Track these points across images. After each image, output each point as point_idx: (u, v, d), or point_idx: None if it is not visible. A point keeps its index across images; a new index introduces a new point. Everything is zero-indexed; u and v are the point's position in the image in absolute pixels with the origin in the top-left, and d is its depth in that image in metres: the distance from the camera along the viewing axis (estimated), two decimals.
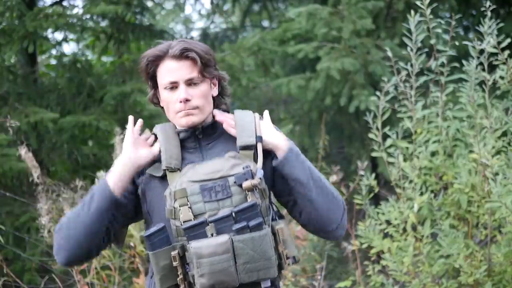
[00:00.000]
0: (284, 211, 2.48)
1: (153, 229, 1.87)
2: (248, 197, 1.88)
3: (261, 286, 1.89)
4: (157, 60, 1.97)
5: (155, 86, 2.02)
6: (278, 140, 1.98)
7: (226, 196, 1.88)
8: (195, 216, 1.86)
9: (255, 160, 1.94)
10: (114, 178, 1.93)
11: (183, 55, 1.95)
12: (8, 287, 4.42)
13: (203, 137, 2.00)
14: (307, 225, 2.04)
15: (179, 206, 1.87)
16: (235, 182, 1.88)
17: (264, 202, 1.92)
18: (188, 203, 1.87)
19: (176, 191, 1.88)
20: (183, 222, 1.86)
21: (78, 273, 3.95)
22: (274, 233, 1.91)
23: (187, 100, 1.94)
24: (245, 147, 1.95)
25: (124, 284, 4.34)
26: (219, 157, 1.94)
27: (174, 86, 1.96)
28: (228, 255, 1.82)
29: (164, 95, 1.98)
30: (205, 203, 1.87)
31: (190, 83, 1.96)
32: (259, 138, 1.96)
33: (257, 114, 2.04)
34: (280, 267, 1.92)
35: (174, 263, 1.86)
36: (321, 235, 2.07)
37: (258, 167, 1.92)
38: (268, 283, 1.90)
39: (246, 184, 1.87)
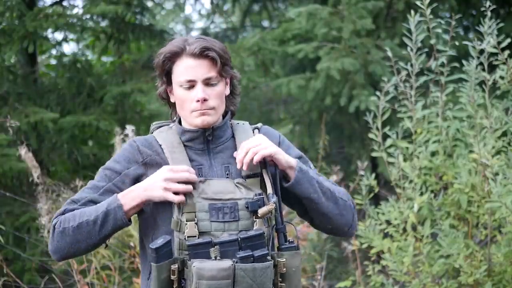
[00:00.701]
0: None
1: (160, 241, 1.84)
2: (255, 224, 1.88)
3: None
4: (175, 56, 1.93)
5: (168, 82, 1.97)
6: (290, 159, 1.95)
7: (233, 219, 1.87)
8: (200, 234, 1.85)
9: (261, 187, 1.93)
10: (131, 206, 1.88)
11: (203, 54, 1.90)
12: (8, 287, 4.42)
13: (212, 139, 1.97)
14: (319, 229, 2.07)
15: (186, 221, 1.85)
16: (247, 207, 1.87)
17: (268, 230, 1.91)
18: (196, 219, 1.86)
19: (184, 204, 1.86)
20: (187, 237, 1.85)
21: (78, 273, 3.95)
22: (274, 265, 1.89)
23: (204, 100, 1.91)
24: (251, 176, 1.94)
25: (124, 284, 4.34)
26: (230, 180, 1.92)
27: (191, 84, 1.92)
28: (228, 281, 1.80)
29: (180, 93, 1.93)
30: (211, 222, 1.86)
31: (207, 82, 1.92)
32: (263, 165, 1.95)
33: (256, 131, 2.02)
34: None
35: (172, 277, 1.84)
36: (334, 235, 2.10)
37: (270, 192, 1.91)
38: None
39: (262, 210, 1.86)
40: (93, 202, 1.93)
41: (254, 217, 1.88)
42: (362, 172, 4.23)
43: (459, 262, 3.36)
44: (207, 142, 1.96)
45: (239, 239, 1.84)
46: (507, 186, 3.19)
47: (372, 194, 3.86)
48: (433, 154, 3.68)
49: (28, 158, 4.27)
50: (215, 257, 1.82)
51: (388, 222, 3.74)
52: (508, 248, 3.32)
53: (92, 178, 2.02)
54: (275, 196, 1.91)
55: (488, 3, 3.45)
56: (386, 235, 3.78)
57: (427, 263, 3.49)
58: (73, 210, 1.92)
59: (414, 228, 3.60)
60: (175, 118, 2.03)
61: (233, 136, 2.00)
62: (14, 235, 5.09)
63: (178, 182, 1.86)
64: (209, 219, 1.86)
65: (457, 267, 3.44)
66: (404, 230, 3.61)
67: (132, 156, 1.96)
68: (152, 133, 2.03)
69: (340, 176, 4.96)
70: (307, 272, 4.89)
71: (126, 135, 4.24)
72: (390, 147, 3.71)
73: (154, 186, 1.86)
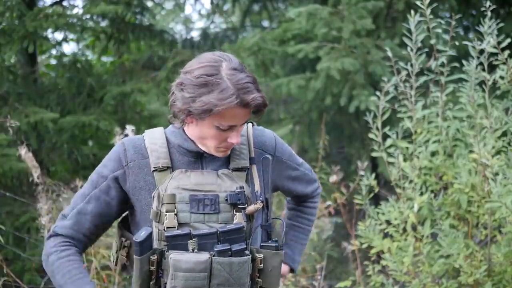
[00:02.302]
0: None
1: (143, 234, 1.84)
2: (235, 217, 1.88)
3: None
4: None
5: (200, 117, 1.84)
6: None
7: (214, 212, 1.87)
8: (179, 225, 1.85)
9: (247, 181, 1.94)
10: None
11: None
12: (8, 287, 4.42)
13: None
14: None
15: (166, 212, 1.85)
16: (226, 200, 1.87)
17: (249, 225, 1.91)
18: (175, 210, 1.85)
19: (164, 195, 1.86)
20: (167, 228, 1.84)
21: None
22: (253, 259, 1.90)
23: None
24: (238, 169, 1.94)
25: (124, 284, 4.33)
26: (212, 172, 1.91)
27: (229, 128, 1.86)
28: (205, 274, 1.81)
29: (211, 132, 1.86)
30: (191, 213, 1.86)
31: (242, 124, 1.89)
32: (253, 160, 1.96)
33: (249, 126, 2.01)
34: None
35: (152, 268, 1.85)
36: None
37: (257, 190, 1.93)
38: None
39: (249, 209, 1.88)
40: (81, 213, 1.94)
41: (234, 210, 1.88)
42: (362, 172, 4.23)
43: (459, 262, 3.36)
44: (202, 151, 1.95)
45: (218, 232, 1.84)
46: (507, 186, 3.19)
47: (372, 194, 3.86)
48: (433, 154, 3.69)
49: (28, 158, 4.26)
50: (193, 249, 1.82)
51: (388, 222, 3.74)
52: (508, 248, 3.32)
53: None
54: (263, 195, 1.92)
55: (488, 3, 3.45)
56: (386, 235, 3.78)
57: (427, 263, 3.49)
58: (63, 228, 1.96)
59: (414, 228, 3.60)
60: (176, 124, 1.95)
61: None
62: (14, 235, 5.09)
63: None
64: (189, 211, 1.86)
65: (457, 267, 3.44)
66: (404, 230, 3.61)
67: (119, 158, 1.94)
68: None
69: (340, 176, 4.96)
70: (307, 272, 4.89)
71: (126, 135, 4.23)
72: (390, 147, 3.71)
73: None
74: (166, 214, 1.85)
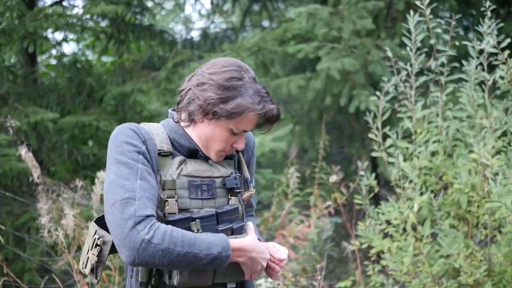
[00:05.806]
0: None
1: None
2: (230, 201, 1.95)
3: (227, 286, 1.94)
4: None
5: (218, 117, 1.89)
6: None
7: (211, 197, 1.92)
8: (179, 211, 1.88)
9: (235, 168, 2.03)
10: (233, 262, 1.90)
11: None
12: (8, 287, 4.42)
13: None
14: None
15: (167, 197, 1.87)
16: (224, 185, 1.94)
17: (241, 208, 1.99)
18: (176, 196, 1.88)
19: (166, 181, 1.88)
20: (168, 214, 1.86)
21: (78, 273, 3.95)
22: None
23: None
24: (227, 157, 2.01)
25: (124, 284, 4.33)
26: (204, 161, 1.96)
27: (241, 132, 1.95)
28: None
29: (224, 134, 1.92)
30: (191, 199, 1.90)
31: None
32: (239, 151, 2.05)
33: None
34: None
35: None
36: None
37: (248, 177, 2.03)
38: (234, 284, 1.96)
39: (245, 195, 1.99)
40: (147, 191, 1.79)
41: (229, 195, 1.95)
42: (362, 172, 4.23)
43: (459, 262, 3.36)
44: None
45: (216, 213, 1.90)
46: (507, 186, 3.19)
47: (372, 194, 3.86)
48: (433, 154, 3.69)
49: (28, 158, 4.26)
50: (197, 230, 1.85)
51: (388, 222, 3.74)
52: (508, 248, 3.32)
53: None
54: (253, 181, 2.04)
55: (488, 3, 3.45)
56: (386, 235, 3.78)
57: (427, 263, 3.49)
58: (146, 208, 1.77)
59: (414, 228, 3.60)
60: (178, 119, 1.97)
61: None
62: (14, 235, 5.09)
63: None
64: (188, 196, 1.90)
65: (457, 267, 3.44)
66: (404, 230, 3.62)
67: (135, 135, 1.87)
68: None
69: (340, 176, 4.96)
70: (307, 272, 4.89)
71: None
72: (390, 147, 3.71)
73: (259, 260, 1.93)
74: (167, 200, 1.87)
